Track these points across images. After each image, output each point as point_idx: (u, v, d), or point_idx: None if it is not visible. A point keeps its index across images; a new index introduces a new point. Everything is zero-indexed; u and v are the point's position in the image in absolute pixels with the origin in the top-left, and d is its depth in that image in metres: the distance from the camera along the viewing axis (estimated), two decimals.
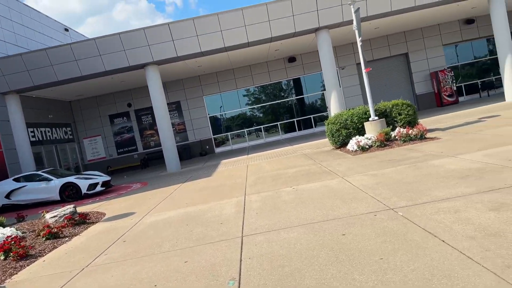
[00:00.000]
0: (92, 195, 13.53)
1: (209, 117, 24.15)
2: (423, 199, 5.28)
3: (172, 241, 5.70)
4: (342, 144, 12.91)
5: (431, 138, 11.19)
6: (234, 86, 23.83)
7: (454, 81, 23.12)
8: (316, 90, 24.67)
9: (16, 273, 5.45)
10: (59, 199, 13.22)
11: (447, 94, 23.04)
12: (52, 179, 13.36)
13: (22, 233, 7.84)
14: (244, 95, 24.54)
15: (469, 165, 6.76)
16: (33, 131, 19.01)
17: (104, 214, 9.19)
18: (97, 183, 13.64)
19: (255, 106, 24.80)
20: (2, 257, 5.94)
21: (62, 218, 8.69)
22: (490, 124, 11.67)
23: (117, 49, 16.85)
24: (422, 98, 23.72)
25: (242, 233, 5.37)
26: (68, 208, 9.00)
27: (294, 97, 24.82)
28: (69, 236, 7.23)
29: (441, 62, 23.85)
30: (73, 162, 22.46)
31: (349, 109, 13.43)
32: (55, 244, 6.71)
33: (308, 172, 9.52)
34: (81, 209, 10.68)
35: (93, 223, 8.28)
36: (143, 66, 17.39)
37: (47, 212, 9.76)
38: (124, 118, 23.95)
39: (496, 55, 22.40)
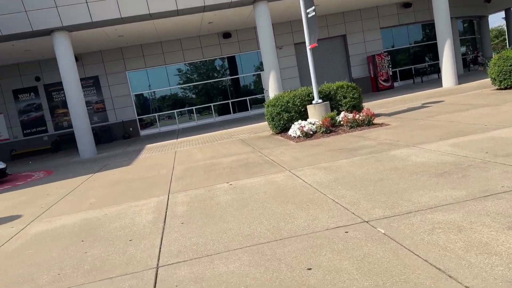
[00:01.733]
0: None
1: (134, 95, 21.63)
2: (405, 207, 3.99)
3: (53, 271, 3.86)
4: (282, 129, 11.56)
5: (379, 124, 10.24)
6: (163, 61, 21.49)
7: (390, 66, 22.94)
8: (252, 71, 23.19)
9: None
10: None
11: (383, 79, 22.81)
12: None
13: None
14: (175, 75, 22.29)
15: (440, 158, 5.67)
16: None
17: None
18: None
19: (186, 86, 22.71)
20: None
21: None
22: (437, 109, 11.01)
23: (16, 9, 13.88)
24: (359, 82, 23.18)
25: (158, 260, 3.70)
26: None
27: (228, 77, 23.12)
28: None
29: (378, 46, 23.53)
30: None
31: (291, 91, 12.10)
32: None
33: (247, 163, 8.00)
34: None
35: None
36: (50, 32, 14.58)
37: None
38: (32, 94, 20.60)
39: (431, 41, 22.46)
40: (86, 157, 14.95)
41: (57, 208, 6.75)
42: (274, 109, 11.59)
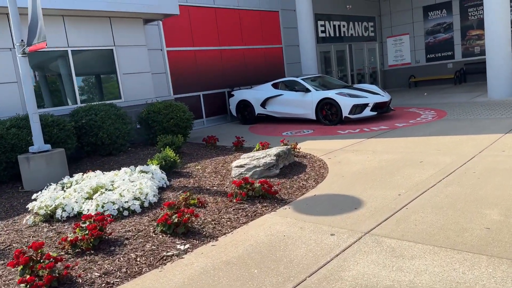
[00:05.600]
0: (356, 120, 9.36)
1: None
2: None
3: None
4: None
5: None
6: None
7: None
8: None
9: None
10: (314, 118, 9.83)
11: None
12: (310, 91, 9.94)
13: (171, 189, 4.68)
14: None
15: None
16: (323, 25, 15.93)
17: (318, 181, 4.91)
18: (366, 105, 9.24)
19: None
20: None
21: (251, 173, 5.05)
22: None
23: None
24: None
25: None
26: (268, 156, 5.22)
27: None
28: (185, 247, 3.44)
29: None
30: (369, 67, 18.55)
31: None
32: (149, 263, 3.13)
33: None
34: (309, 146, 6.78)
35: (277, 204, 4.18)
36: None
37: (263, 146, 6.39)
38: (443, 11, 17.35)
39: None
40: (496, 98, 10.69)
41: (418, 213, 3.63)
42: None
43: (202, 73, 11.56)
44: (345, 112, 9.19)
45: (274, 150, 5.39)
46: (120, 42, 8.82)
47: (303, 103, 9.95)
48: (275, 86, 10.84)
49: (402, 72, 18.68)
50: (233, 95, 11.54)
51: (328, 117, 9.54)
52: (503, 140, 5.96)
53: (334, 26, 16.47)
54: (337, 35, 16.62)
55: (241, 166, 5.13)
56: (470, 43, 16.66)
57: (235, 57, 12.46)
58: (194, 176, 5.32)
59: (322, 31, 15.88)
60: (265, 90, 10.89)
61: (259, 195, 4.29)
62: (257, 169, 5.00)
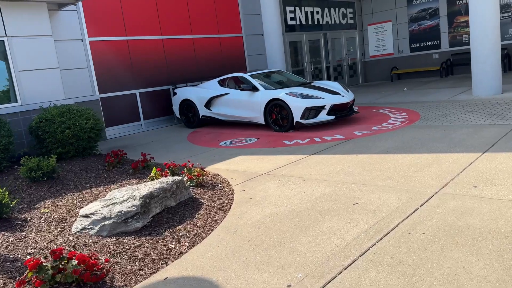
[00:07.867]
0: (310, 127, 7.71)
1: None
2: None
3: None
4: None
5: None
6: None
7: None
8: None
9: None
10: (263, 122, 8.16)
11: None
12: (258, 90, 8.25)
13: None
14: None
15: None
16: (293, 11, 14.15)
17: (196, 242, 3.29)
18: (321, 107, 7.57)
19: None
20: None
21: (97, 228, 3.39)
22: None
23: None
24: None
25: None
26: (131, 199, 3.55)
27: None
28: None
29: None
30: (348, 58, 16.82)
31: None
32: None
33: None
34: (235, 166, 5.11)
35: None
36: None
37: (168, 169, 4.75)
38: None
39: None
40: (481, 95, 9.05)
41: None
42: None
43: (138, 67, 9.82)
44: (297, 117, 7.52)
45: (147, 188, 3.73)
46: (14, 32, 7.08)
47: (251, 105, 8.27)
48: (222, 83, 9.14)
49: (384, 64, 16.97)
50: (176, 94, 9.84)
51: (278, 121, 7.88)
52: (479, 164, 4.33)
53: (306, 12, 14.69)
54: (310, 22, 14.85)
55: (87, 216, 3.48)
56: (458, 30, 14.93)
57: (182, 48, 10.71)
58: (26, 228, 3.66)
59: (292, 18, 14.11)
60: (210, 88, 9.18)
61: (72, 281, 2.66)
62: (107, 222, 3.34)
